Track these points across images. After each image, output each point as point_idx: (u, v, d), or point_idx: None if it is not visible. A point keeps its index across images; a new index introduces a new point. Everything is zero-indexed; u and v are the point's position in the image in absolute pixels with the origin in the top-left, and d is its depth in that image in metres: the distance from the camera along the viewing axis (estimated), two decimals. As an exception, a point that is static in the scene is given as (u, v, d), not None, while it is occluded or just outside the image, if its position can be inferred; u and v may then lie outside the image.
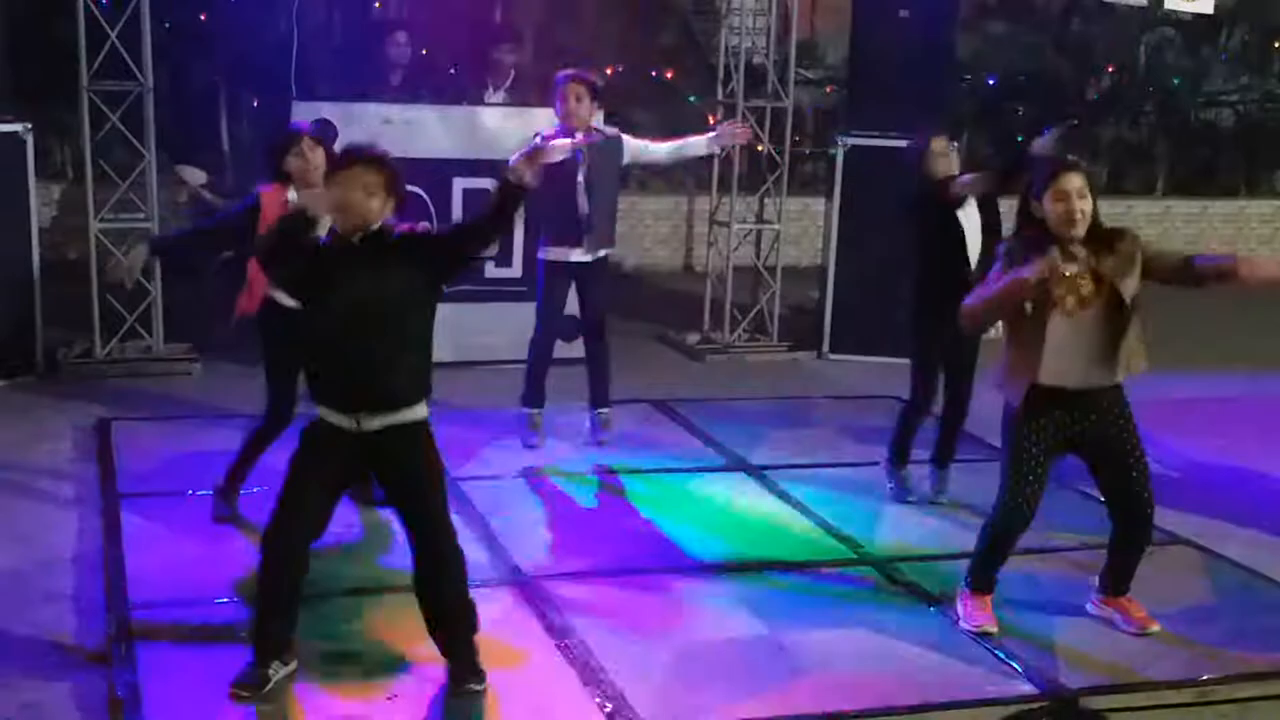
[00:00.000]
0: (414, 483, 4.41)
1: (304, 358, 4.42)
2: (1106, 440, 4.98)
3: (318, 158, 5.60)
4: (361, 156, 4.35)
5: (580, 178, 6.59)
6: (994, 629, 5.06)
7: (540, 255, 6.83)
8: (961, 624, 5.13)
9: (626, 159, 6.87)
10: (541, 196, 6.51)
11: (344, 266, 4.28)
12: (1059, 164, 4.88)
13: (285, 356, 5.56)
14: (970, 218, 6.15)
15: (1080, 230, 4.79)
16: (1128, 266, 4.82)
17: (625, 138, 6.88)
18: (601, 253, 6.83)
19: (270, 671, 4.40)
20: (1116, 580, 5.22)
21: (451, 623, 4.50)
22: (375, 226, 4.32)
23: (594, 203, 6.65)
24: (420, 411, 4.39)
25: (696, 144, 6.98)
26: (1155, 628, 5.14)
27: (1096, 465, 5.06)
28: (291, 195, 5.55)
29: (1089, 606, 5.30)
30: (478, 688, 4.46)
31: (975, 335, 5.78)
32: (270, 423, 5.76)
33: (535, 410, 6.99)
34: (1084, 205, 4.78)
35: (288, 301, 4.95)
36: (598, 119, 6.79)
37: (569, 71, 6.72)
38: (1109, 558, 5.24)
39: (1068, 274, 4.75)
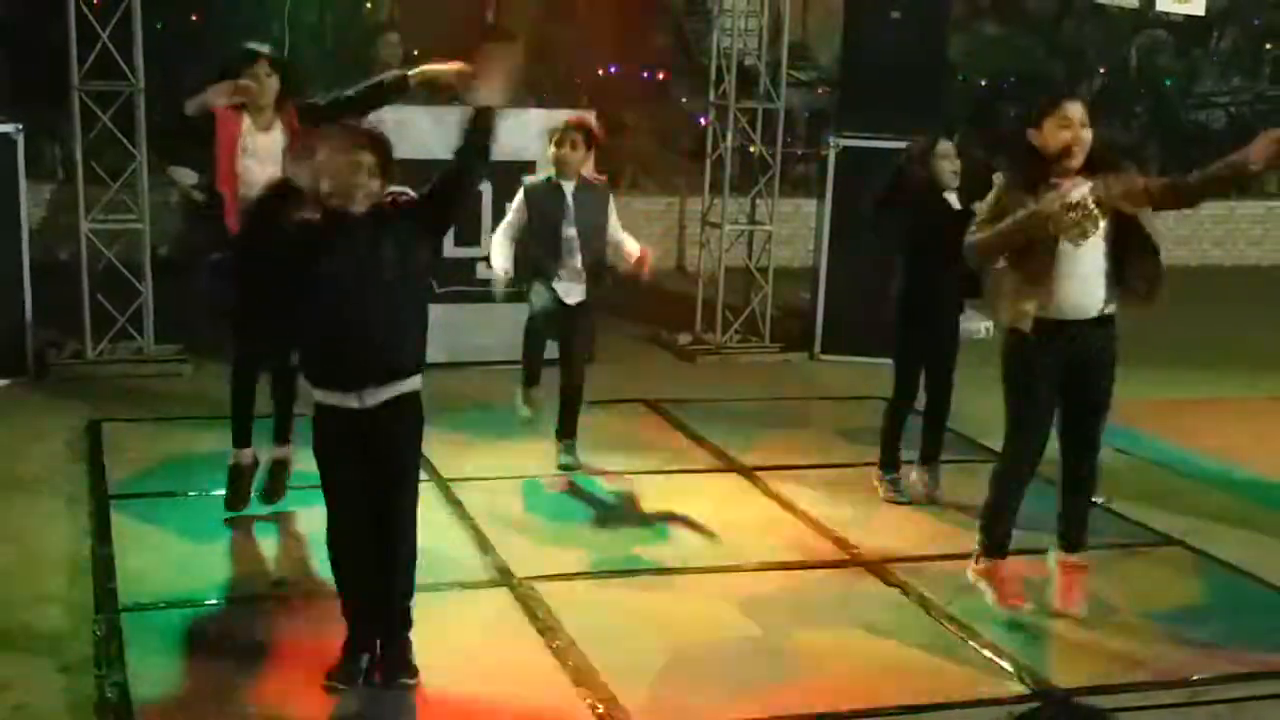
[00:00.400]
0: (398, 454, 4.38)
1: (301, 335, 4.38)
2: (1089, 376, 5.01)
3: (273, 83, 5.65)
4: (356, 134, 4.32)
5: (570, 231, 6.39)
6: (1028, 606, 5.14)
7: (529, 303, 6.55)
8: (995, 606, 5.17)
9: (611, 217, 6.56)
10: (530, 247, 6.44)
11: (341, 236, 4.22)
12: (1061, 92, 4.87)
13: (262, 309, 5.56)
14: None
15: (1079, 160, 4.81)
16: (1128, 187, 4.83)
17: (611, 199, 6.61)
18: (586, 297, 6.54)
19: (361, 665, 4.43)
20: (1067, 528, 5.24)
21: (391, 595, 4.45)
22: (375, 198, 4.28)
23: (585, 255, 6.42)
24: (418, 382, 4.37)
25: (626, 250, 6.58)
26: (1074, 611, 5.17)
27: (1066, 391, 5.05)
28: (247, 123, 5.65)
29: (1049, 555, 5.31)
30: (410, 682, 4.43)
31: (982, 268, 5.47)
32: (241, 363, 5.78)
33: (531, 387, 6.70)
34: (1085, 134, 4.82)
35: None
36: (589, 167, 6.64)
37: (571, 116, 6.55)
38: (1059, 504, 5.26)
39: (1076, 202, 4.74)
